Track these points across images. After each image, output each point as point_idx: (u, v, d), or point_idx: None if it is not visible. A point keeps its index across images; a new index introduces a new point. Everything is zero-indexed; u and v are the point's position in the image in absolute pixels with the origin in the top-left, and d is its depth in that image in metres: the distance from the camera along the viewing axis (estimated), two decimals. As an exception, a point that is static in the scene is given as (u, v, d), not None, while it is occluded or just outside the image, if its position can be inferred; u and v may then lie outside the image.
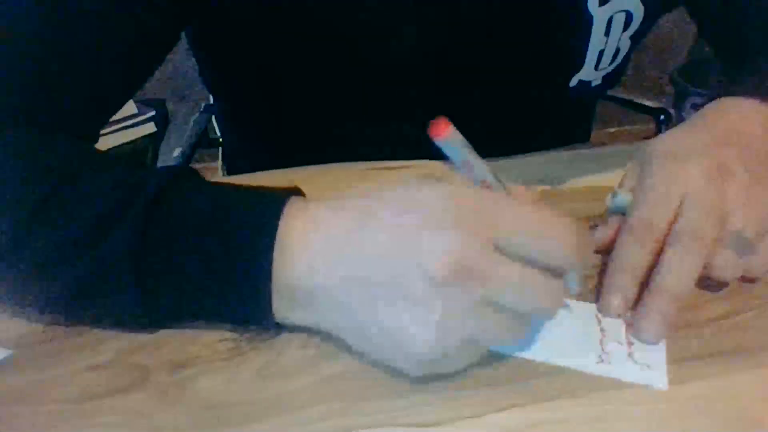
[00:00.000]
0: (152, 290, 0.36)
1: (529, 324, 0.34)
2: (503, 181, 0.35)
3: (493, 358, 0.36)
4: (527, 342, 0.38)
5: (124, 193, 0.36)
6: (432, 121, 0.33)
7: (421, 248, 0.32)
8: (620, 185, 0.46)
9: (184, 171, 0.39)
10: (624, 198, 0.44)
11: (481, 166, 0.34)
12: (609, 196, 0.45)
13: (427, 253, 0.32)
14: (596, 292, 0.41)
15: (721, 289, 0.42)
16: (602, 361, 0.37)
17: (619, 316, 0.40)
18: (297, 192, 0.39)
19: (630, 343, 0.38)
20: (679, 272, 0.38)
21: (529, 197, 0.35)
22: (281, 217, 0.35)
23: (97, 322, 0.39)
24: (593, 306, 0.41)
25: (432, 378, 0.34)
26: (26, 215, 0.36)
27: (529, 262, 0.33)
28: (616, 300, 0.40)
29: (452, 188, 0.34)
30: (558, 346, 0.38)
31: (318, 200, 0.37)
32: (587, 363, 0.37)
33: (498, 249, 0.32)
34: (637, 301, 0.40)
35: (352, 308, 0.34)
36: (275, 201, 0.36)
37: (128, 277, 0.35)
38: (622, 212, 0.43)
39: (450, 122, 0.33)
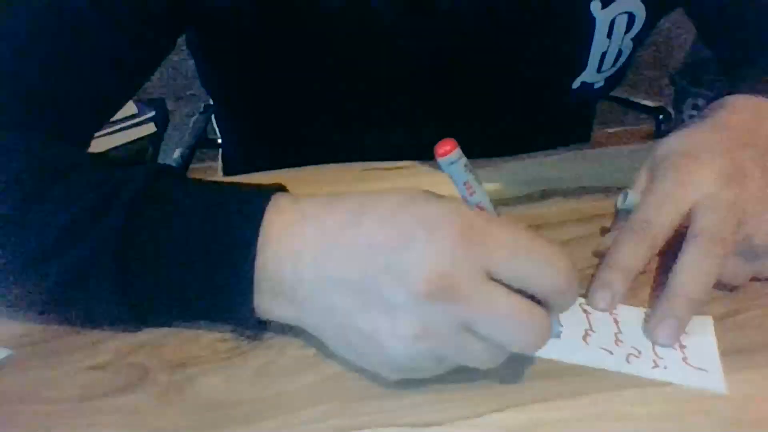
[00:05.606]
0: (133, 288, 0.35)
1: (507, 354, 0.33)
2: (498, 209, 0.34)
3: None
4: (577, 347, 0.37)
5: (107, 192, 0.36)
6: (440, 141, 0.32)
7: (409, 256, 0.31)
8: (632, 186, 0.45)
9: (166, 168, 0.39)
10: (634, 199, 0.43)
11: (480, 191, 0.33)
12: (620, 197, 0.44)
13: (414, 264, 0.31)
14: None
15: (722, 289, 0.41)
16: (657, 366, 0.36)
17: (605, 311, 0.39)
18: (282, 188, 0.38)
19: (682, 347, 0.37)
20: (697, 276, 0.38)
21: (520, 226, 0.34)
22: (266, 210, 0.35)
23: (81, 321, 0.39)
24: (640, 311, 0.40)
25: (431, 378, 0.34)
26: (8, 214, 0.36)
27: (518, 290, 0.32)
28: (601, 295, 0.40)
29: (454, 205, 0.33)
30: (609, 350, 0.37)
31: (311, 195, 0.36)
32: (642, 368, 0.36)
33: (488, 275, 0.31)
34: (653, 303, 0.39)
35: (333, 308, 0.34)
36: (260, 195, 0.36)
37: (109, 274, 0.35)
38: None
39: (456, 143, 0.32)
